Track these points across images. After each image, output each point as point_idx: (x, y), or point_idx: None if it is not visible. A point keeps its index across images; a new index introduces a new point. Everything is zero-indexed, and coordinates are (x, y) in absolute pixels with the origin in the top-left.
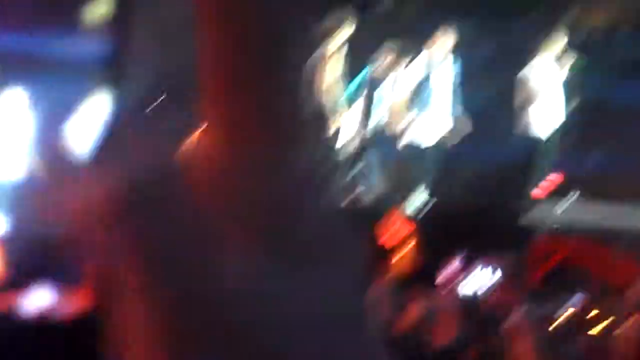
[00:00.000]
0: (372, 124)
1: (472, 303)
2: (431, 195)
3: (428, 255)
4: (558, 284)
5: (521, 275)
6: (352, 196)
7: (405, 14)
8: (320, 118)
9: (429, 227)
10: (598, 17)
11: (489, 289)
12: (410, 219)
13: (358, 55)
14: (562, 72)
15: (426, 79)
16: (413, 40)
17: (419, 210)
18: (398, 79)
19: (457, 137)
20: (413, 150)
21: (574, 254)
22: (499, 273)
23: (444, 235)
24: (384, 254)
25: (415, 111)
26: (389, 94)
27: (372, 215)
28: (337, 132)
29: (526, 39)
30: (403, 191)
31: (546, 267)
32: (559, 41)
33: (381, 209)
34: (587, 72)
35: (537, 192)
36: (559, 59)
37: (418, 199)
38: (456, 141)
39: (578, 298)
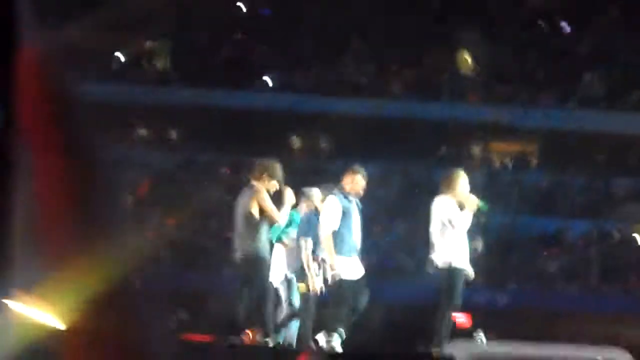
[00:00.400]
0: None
1: None
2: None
3: None
4: None
5: None
6: None
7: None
8: None
9: None
10: (502, 154)
11: None
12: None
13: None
14: (467, 211)
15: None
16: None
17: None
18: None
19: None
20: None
21: None
22: None
23: None
24: None
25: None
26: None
27: None
28: None
29: (431, 179)
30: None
31: None
32: (463, 181)
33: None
34: (495, 208)
35: (447, 330)
36: (466, 195)
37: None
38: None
39: None
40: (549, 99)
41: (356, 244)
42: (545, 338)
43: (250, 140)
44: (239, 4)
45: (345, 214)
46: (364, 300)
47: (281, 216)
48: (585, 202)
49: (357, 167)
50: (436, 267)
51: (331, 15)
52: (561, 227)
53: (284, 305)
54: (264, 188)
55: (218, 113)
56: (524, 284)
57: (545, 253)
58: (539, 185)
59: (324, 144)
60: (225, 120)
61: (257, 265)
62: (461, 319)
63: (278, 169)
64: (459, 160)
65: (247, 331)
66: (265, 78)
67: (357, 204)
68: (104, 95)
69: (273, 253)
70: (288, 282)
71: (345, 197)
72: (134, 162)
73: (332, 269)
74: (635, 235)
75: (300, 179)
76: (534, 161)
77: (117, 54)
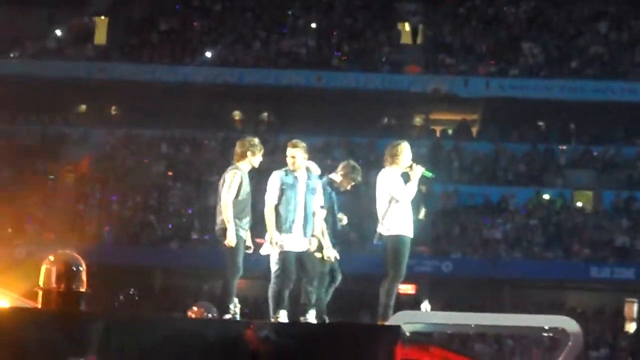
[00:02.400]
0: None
1: None
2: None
3: None
4: None
5: None
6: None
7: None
8: None
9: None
10: (445, 124)
11: None
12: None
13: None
14: (412, 181)
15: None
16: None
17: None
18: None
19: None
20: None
21: None
22: None
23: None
24: None
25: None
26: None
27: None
28: None
29: (375, 150)
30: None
31: None
32: (407, 151)
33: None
34: (438, 178)
35: (393, 300)
36: (410, 165)
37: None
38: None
39: None
40: (489, 68)
41: (298, 219)
42: (492, 306)
43: (190, 115)
44: None
45: (285, 190)
46: (315, 273)
47: (229, 195)
48: (527, 170)
49: (295, 141)
50: (382, 238)
51: None
52: (504, 195)
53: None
54: (239, 167)
55: (157, 88)
56: (469, 252)
57: (488, 221)
58: (481, 154)
59: (265, 116)
60: (165, 95)
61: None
62: (406, 289)
63: (259, 143)
64: (402, 130)
65: (194, 307)
66: (205, 52)
67: (305, 179)
68: (42, 72)
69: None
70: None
71: (287, 173)
72: (75, 138)
73: (274, 244)
74: (577, 201)
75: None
76: (476, 130)
77: (55, 31)
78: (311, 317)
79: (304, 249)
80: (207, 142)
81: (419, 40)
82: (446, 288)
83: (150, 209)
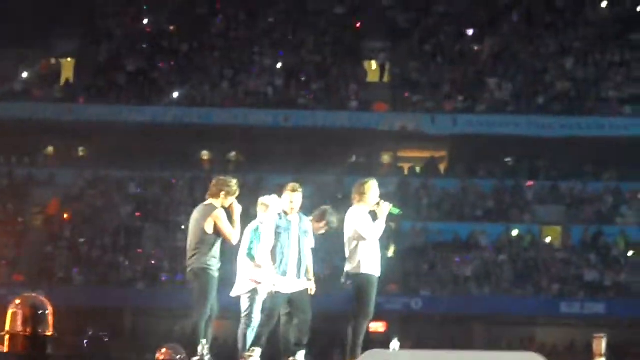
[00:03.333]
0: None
1: None
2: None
3: None
4: None
5: None
6: None
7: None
8: None
9: None
10: (412, 161)
11: None
12: None
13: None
14: (380, 219)
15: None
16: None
17: None
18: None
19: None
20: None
21: None
22: None
23: None
24: None
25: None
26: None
27: None
28: None
29: (342, 188)
30: None
31: None
32: (374, 189)
33: None
34: (406, 215)
35: (362, 339)
36: (378, 203)
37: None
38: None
39: None
40: (455, 104)
41: (292, 261)
42: (462, 342)
43: (158, 155)
44: (144, 20)
45: (280, 233)
46: (304, 313)
47: (235, 235)
48: (495, 206)
49: (295, 185)
50: (350, 276)
51: (236, 28)
52: (473, 232)
53: (242, 318)
54: (220, 206)
55: (126, 128)
56: (438, 289)
57: (457, 258)
58: (450, 191)
59: (233, 156)
60: (133, 135)
61: (205, 281)
62: (376, 326)
63: (236, 185)
64: (369, 168)
65: (163, 349)
66: (172, 92)
67: (299, 222)
68: (8, 114)
69: (240, 267)
70: (252, 296)
71: (281, 217)
72: (43, 179)
73: (269, 287)
74: (546, 237)
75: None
76: (444, 167)
77: (22, 73)
78: (300, 357)
79: (298, 290)
80: (175, 182)
81: (385, 78)
82: (416, 325)
83: (119, 250)
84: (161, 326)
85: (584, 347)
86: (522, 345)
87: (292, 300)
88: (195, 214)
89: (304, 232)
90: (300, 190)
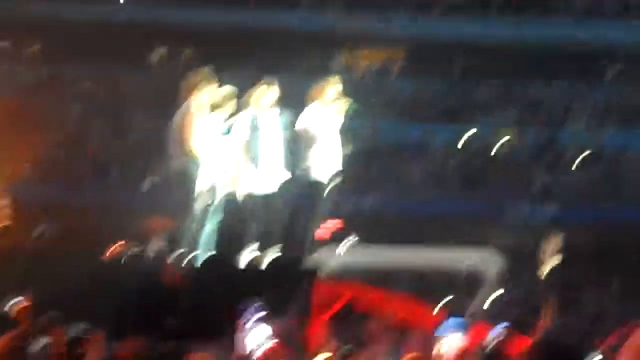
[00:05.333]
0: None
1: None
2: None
3: (209, 308)
4: (342, 328)
5: (303, 323)
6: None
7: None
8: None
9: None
10: (367, 62)
11: (264, 342)
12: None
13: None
14: (337, 116)
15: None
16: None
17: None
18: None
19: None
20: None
21: (355, 298)
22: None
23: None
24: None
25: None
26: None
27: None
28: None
29: (301, 86)
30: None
31: (329, 313)
32: (332, 86)
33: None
34: (360, 116)
35: (317, 236)
36: (333, 103)
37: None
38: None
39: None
40: (412, 4)
41: (265, 159)
42: (413, 244)
43: (110, 53)
44: None
45: (253, 130)
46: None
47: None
48: (448, 108)
49: (266, 79)
50: (304, 175)
51: None
52: (424, 133)
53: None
54: (195, 102)
55: (77, 25)
56: (389, 190)
57: (409, 158)
58: (403, 92)
59: (189, 55)
60: (85, 32)
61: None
62: (328, 226)
63: (209, 77)
64: (324, 69)
65: (116, 245)
66: None
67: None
68: None
69: None
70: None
71: (253, 112)
72: None
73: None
74: (498, 139)
75: (165, 91)
76: (397, 67)
77: None
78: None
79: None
80: (128, 80)
81: None
82: (367, 225)
83: (70, 148)
84: (112, 224)
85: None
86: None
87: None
88: (175, 116)
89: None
90: (269, 84)
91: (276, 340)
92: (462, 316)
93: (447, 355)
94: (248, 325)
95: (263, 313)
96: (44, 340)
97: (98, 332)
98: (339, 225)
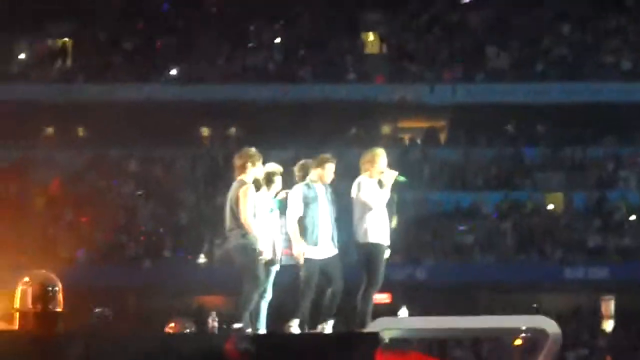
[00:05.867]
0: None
1: None
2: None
3: None
4: None
5: None
6: None
7: None
8: None
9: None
10: (414, 131)
11: None
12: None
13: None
14: (386, 186)
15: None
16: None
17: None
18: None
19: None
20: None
21: None
22: None
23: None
24: None
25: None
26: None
27: None
28: None
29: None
30: None
31: None
32: (382, 158)
33: None
34: (409, 185)
35: (370, 308)
36: (382, 174)
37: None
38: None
39: None
40: (454, 74)
41: (323, 233)
42: (467, 311)
43: (159, 133)
44: None
45: (308, 204)
46: (338, 282)
47: (247, 214)
48: (496, 174)
49: (327, 155)
50: (358, 245)
51: (232, 3)
52: (475, 200)
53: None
54: (251, 180)
55: (124, 107)
56: (442, 258)
57: (461, 227)
58: (450, 160)
59: (233, 131)
60: (132, 114)
61: (244, 259)
62: (381, 298)
63: (255, 151)
64: (370, 140)
65: (172, 323)
66: (170, 70)
67: (326, 193)
68: (8, 95)
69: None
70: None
71: (309, 187)
72: (43, 161)
73: (297, 258)
74: (547, 203)
75: (214, 168)
76: (444, 136)
77: (19, 54)
78: (329, 327)
79: (330, 257)
80: (176, 160)
81: (383, 49)
82: (421, 295)
83: (121, 229)
84: (165, 303)
85: (590, 312)
86: (527, 313)
87: (326, 270)
88: (229, 192)
89: (331, 201)
90: (330, 160)
91: None
92: None
93: None
94: None
95: None
96: None
97: None
98: (390, 298)
